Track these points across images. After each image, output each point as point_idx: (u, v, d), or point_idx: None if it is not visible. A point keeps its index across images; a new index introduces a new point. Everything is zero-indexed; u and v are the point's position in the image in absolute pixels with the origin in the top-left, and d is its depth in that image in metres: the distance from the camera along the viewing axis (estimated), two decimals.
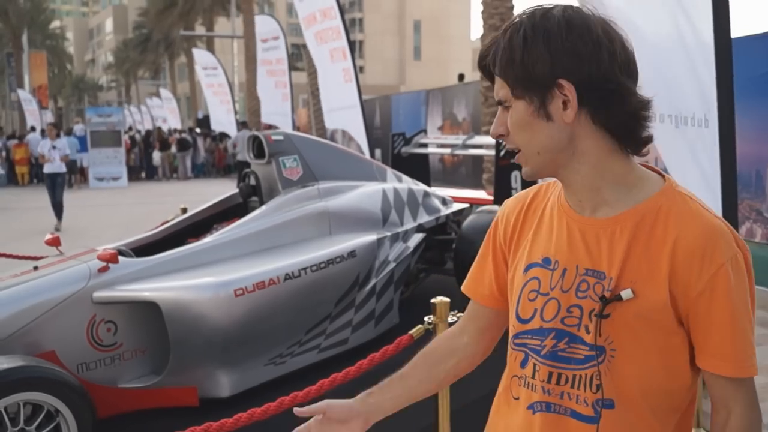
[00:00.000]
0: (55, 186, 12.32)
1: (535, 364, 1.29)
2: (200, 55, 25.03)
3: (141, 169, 24.12)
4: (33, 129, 24.06)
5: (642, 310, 1.20)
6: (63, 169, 12.65)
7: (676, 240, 1.20)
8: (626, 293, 1.20)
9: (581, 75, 1.19)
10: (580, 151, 1.24)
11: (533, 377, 1.29)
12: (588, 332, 1.24)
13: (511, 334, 1.36)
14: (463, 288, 1.53)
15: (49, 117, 30.12)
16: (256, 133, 5.42)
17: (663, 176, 1.29)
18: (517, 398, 1.34)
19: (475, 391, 3.04)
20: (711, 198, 3.25)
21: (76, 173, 20.92)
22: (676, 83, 3.51)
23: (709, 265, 1.18)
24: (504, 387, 1.40)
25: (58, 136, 13.26)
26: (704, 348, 1.22)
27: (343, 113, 10.72)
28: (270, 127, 15.87)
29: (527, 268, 1.33)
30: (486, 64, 1.28)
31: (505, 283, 1.42)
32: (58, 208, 12.35)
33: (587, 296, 1.24)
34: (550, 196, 1.37)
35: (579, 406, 1.25)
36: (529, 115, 1.23)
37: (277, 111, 15.55)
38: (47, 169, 12.45)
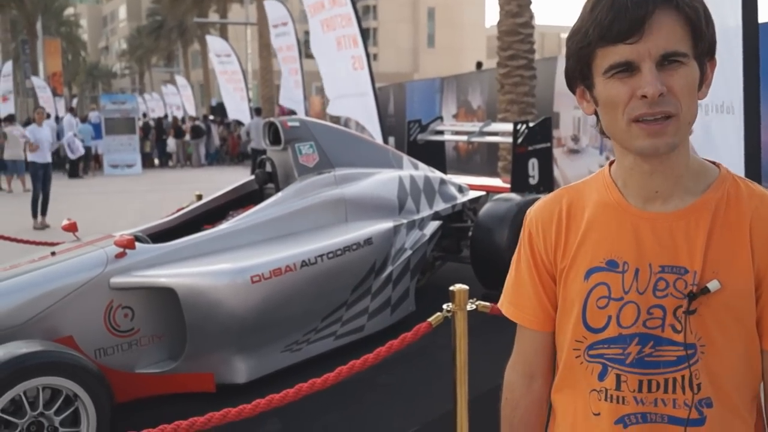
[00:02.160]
0: (45, 178, 11.34)
1: (618, 375, 1.24)
2: (214, 42, 24.93)
3: (153, 157, 24.17)
4: (48, 116, 24.15)
5: (729, 299, 1.18)
6: (48, 158, 11.61)
7: (751, 222, 1.19)
8: (713, 285, 1.17)
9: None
10: (689, 133, 1.22)
11: (617, 389, 1.24)
12: (676, 331, 1.20)
13: (578, 347, 1.29)
14: (511, 316, 1.41)
15: (63, 104, 30.24)
16: (272, 119, 5.42)
17: (713, 162, 1.27)
18: (598, 414, 1.27)
19: (492, 380, 3.03)
20: None
21: (91, 160, 21.02)
22: None
23: None
24: (575, 401, 1.31)
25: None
26: None
27: (351, 101, 10.65)
28: (286, 111, 15.80)
29: (588, 274, 1.26)
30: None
31: (556, 299, 1.34)
32: (44, 203, 11.26)
33: (668, 294, 1.20)
34: (586, 197, 1.32)
35: (676, 411, 1.21)
36: (696, 81, 1.18)
37: (290, 97, 15.49)
38: (33, 158, 11.46)
